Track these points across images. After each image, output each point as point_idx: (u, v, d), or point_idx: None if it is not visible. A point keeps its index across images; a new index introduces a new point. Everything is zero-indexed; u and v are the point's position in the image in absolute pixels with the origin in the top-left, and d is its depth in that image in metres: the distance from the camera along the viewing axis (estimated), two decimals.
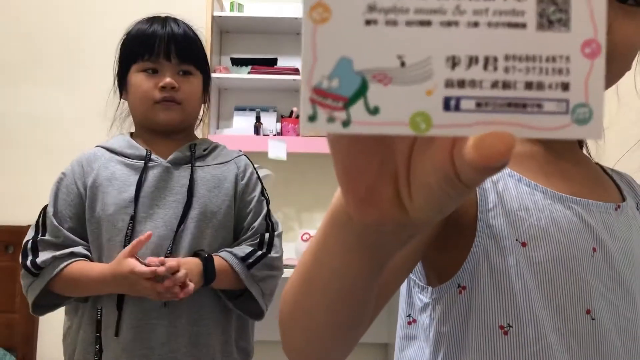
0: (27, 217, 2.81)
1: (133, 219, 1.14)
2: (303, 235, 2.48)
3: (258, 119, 2.66)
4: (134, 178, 1.17)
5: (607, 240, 0.63)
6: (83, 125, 2.88)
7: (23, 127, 2.88)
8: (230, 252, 1.17)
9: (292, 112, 2.66)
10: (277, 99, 2.77)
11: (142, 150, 1.21)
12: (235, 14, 2.70)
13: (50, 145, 2.87)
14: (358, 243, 0.37)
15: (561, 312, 0.60)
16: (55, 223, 1.18)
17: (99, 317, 1.14)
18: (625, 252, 0.64)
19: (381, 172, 0.31)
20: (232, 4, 2.74)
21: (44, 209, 1.26)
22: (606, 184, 0.73)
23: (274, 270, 1.23)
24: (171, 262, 1.06)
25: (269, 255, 1.21)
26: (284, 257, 2.54)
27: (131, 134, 1.29)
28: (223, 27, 2.79)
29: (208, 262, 1.13)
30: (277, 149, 2.49)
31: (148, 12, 3.11)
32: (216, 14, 2.62)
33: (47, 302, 1.20)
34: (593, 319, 0.60)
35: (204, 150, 1.27)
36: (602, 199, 0.66)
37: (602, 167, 0.77)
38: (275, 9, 2.73)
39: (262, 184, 1.30)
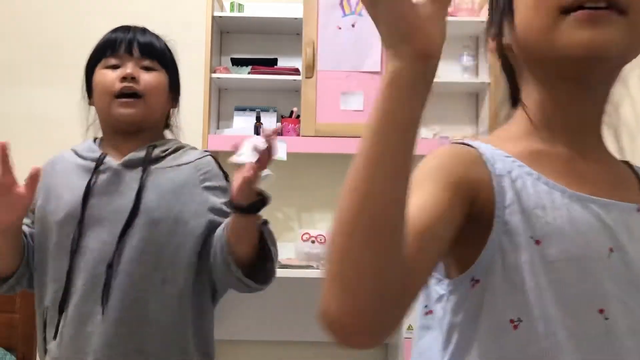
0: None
1: (80, 223, 1.12)
2: (303, 235, 2.48)
3: (258, 119, 2.66)
4: (84, 179, 1.15)
5: (625, 241, 0.63)
6: (81, 125, 2.88)
7: (23, 127, 2.88)
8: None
9: (292, 112, 2.66)
10: (277, 99, 2.77)
11: (97, 153, 1.19)
12: (236, 14, 2.70)
13: (50, 145, 2.86)
14: (415, 90, 0.51)
15: (573, 310, 0.60)
16: None
17: (45, 317, 1.14)
18: None
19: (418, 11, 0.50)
20: (232, 4, 2.74)
21: None
22: (629, 183, 0.72)
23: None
24: None
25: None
26: (284, 257, 2.55)
27: (102, 139, 1.26)
28: (223, 27, 2.79)
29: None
30: (277, 149, 2.49)
31: (148, 12, 3.13)
32: (216, 14, 2.62)
33: None
34: (606, 319, 0.60)
35: (163, 152, 1.21)
36: (623, 199, 0.66)
37: (631, 166, 0.76)
38: (275, 9, 2.74)
39: (227, 179, 1.23)
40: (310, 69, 2.54)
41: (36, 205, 1.18)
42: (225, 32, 2.83)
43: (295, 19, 2.61)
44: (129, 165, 1.16)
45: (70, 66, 2.91)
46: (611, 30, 0.60)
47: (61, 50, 2.91)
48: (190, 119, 2.78)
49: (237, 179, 1.04)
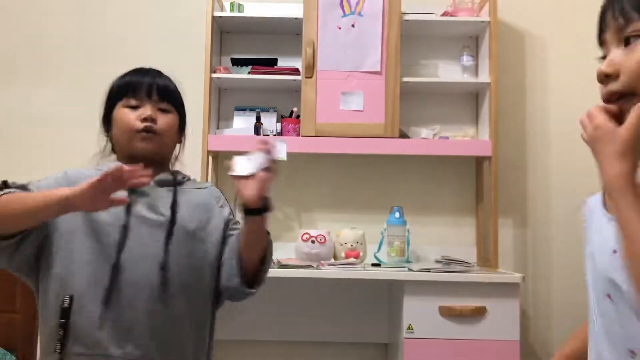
0: None
1: (126, 227, 1.26)
2: (303, 235, 2.48)
3: (258, 119, 2.66)
4: (123, 194, 1.23)
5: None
6: (83, 126, 2.88)
7: (23, 127, 2.88)
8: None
9: (292, 112, 2.66)
10: (277, 99, 2.77)
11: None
12: (236, 14, 2.70)
13: (50, 145, 2.87)
14: None
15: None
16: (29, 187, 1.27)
17: (66, 305, 1.21)
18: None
19: None
20: (232, 5, 2.74)
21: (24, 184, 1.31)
22: None
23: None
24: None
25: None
26: (284, 257, 2.55)
27: None
28: (223, 28, 2.79)
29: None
30: (277, 149, 2.49)
31: (148, 12, 3.14)
32: (216, 14, 2.62)
33: None
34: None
35: (183, 178, 1.43)
36: None
37: None
38: (275, 10, 2.74)
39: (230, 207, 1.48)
40: (310, 69, 2.54)
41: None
42: (225, 32, 2.84)
43: (295, 19, 2.61)
44: (160, 184, 1.36)
45: (70, 66, 2.91)
46: None
47: (61, 50, 2.91)
48: (190, 119, 2.78)
49: (246, 188, 1.23)
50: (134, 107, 1.36)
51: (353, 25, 2.56)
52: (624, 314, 0.72)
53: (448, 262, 2.40)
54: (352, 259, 2.42)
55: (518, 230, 2.79)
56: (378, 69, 2.54)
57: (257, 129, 2.64)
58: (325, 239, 2.47)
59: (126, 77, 1.42)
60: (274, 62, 2.73)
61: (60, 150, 2.87)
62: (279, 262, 2.33)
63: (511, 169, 2.82)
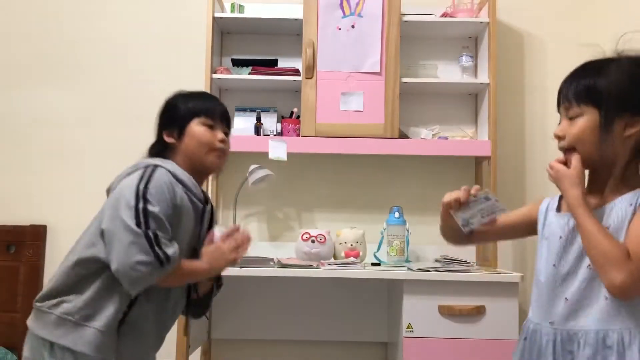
0: (27, 217, 2.83)
1: (195, 250, 1.52)
2: (303, 235, 2.49)
3: (259, 119, 2.67)
4: (194, 215, 1.52)
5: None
6: (83, 125, 2.89)
7: (23, 127, 2.89)
8: None
9: (292, 112, 2.67)
10: (278, 99, 2.78)
11: (200, 193, 1.55)
12: (236, 15, 2.71)
13: (51, 145, 2.88)
14: None
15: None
16: (167, 225, 1.40)
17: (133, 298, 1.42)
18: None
19: None
20: (232, 5, 2.75)
21: (145, 203, 1.38)
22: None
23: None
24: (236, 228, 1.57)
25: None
26: (284, 256, 2.56)
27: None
28: (224, 28, 2.80)
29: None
30: (278, 149, 2.51)
31: (148, 13, 3.14)
32: (217, 15, 2.63)
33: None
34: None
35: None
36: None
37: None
38: (276, 10, 2.75)
39: None
40: (310, 69, 2.55)
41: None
42: (225, 32, 2.85)
43: (295, 19, 2.62)
44: (208, 203, 1.62)
45: (71, 67, 2.92)
46: None
47: (62, 51, 2.91)
48: None
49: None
50: (210, 127, 1.58)
51: (353, 26, 2.57)
52: (563, 276, 1.21)
53: (447, 262, 2.41)
54: (352, 259, 2.43)
55: None
56: (378, 70, 2.55)
57: (258, 129, 2.65)
58: (325, 239, 2.48)
59: (199, 99, 1.64)
60: (274, 62, 2.74)
61: (60, 150, 2.87)
62: (279, 261, 2.34)
63: (510, 169, 2.83)
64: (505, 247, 2.75)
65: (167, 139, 1.58)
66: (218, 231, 1.59)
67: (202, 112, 1.59)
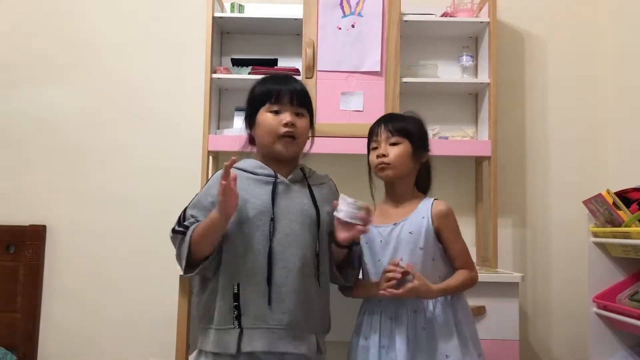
0: (27, 217, 2.82)
1: (272, 219, 1.51)
2: None
3: None
4: (265, 190, 1.54)
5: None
6: (83, 125, 2.89)
7: (23, 127, 2.89)
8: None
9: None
10: None
11: (270, 170, 1.58)
12: (236, 14, 2.71)
13: (50, 145, 2.88)
14: None
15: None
16: (190, 213, 1.55)
17: (235, 291, 1.48)
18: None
19: None
20: (232, 5, 2.75)
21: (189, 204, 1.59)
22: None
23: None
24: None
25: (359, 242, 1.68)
26: None
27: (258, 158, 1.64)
28: (224, 28, 2.80)
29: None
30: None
31: (148, 13, 3.14)
32: (217, 14, 2.63)
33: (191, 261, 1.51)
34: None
35: (309, 172, 1.68)
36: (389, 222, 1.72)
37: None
38: (276, 10, 2.74)
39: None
40: (310, 69, 2.55)
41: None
42: (225, 32, 2.84)
43: (295, 19, 2.62)
44: (294, 181, 1.60)
45: (71, 66, 2.92)
46: None
47: (62, 50, 2.91)
48: (190, 119, 2.81)
49: (341, 231, 1.55)
50: (276, 112, 1.56)
51: (353, 26, 2.57)
52: (383, 265, 1.63)
53: None
54: None
55: (517, 230, 2.80)
56: (378, 69, 2.55)
57: None
58: None
59: (267, 83, 1.61)
60: (274, 62, 2.73)
61: (60, 150, 2.87)
62: None
63: (510, 169, 2.83)
64: (505, 247, 2.75)
65: (247, 131, 1.64)
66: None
67: (265, 99, 1.57)
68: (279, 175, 1.57)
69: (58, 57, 2.91)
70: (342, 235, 1.54)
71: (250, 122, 1.62)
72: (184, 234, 1.49)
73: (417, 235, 1.63)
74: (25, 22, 2.94)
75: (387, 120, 1.72)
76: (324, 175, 1.74)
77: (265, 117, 1.56)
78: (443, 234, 1.65)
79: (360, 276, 1.74)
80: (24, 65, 2.91)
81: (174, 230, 1.53)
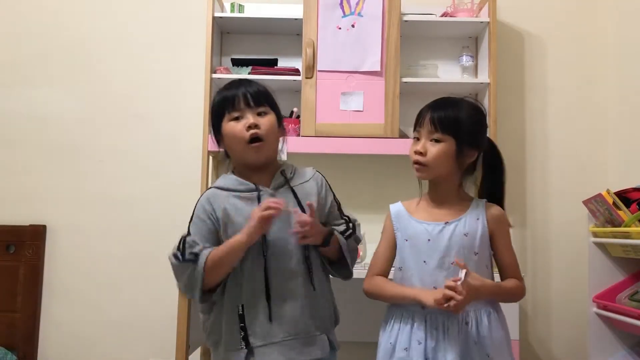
0: (27, 217, 2.82)
1: (264, 235, 1.47)
2: None
3: None
4: (252, 205, 1.48)
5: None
6: (83, 125, 2.89)
7: (23, 127, 2.89)
8: (335, 230, 1.58)
9: (292, 112, 2.67)
10: (278, 99, 2.75)
11: (249, 184, 1.53)
12: (236, 14, 2.71)
13: (51, 145, 2.88)
14: None
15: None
16: (191, 241, 1.49)
17: (240, 312, 1.47)
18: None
19: None
20: (232, 5, 2.75)
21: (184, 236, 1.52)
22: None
23: (358, 244, 1.65)
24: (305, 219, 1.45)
25: (355, 234, 1.63)
26: None
27: (232, 171, 1.60)
28: (224, 28, 2.80)
29: (330, 234, 1.54)
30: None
31: (148, 13, 3.14)
32: (217, 14, 2.63)
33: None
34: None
35: (291, 173, 1.59)
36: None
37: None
38: (276, 10, 2.74)
39: (332, 190, 1.68)
40: (310, 69, 2.55)
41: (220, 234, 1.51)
42: (225, 32, 2.84)
43: (295, 19, 2.62)
44: (277, 187, 1.55)
45: (71, 66, 2.92)
46: None
47: (62, 50, 2.91)
48: (190, 119, 2.81)
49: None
50: (237, 119, 1.51)
51: (353, 26, 2.57)
52: (430, 268, 1.44)
53: None
54: None
55: (517, 230, 2.80)
56: (378, 69, 2.55)
57: None
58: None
59: (222, 92, 1.56)
60: (274, 62, 2.73)
61: (60, 150, 2.87)
62: None
63: (510, 169, 2.81)
64: None
65: (218, 147, 1.59)
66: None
67: (224, 107, 1.52)
68: (260, 187, 1.53)
69: (58, 57, 2.91)
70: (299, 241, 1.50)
71: (218, 136, 1.57)
72: (194, 262, 1.44)
73: (472, 239, 1.45)
74: (25, 22, 2.94)
75: (437, 107, 1.50)
76: (308, 170, 1.67)
77: (228, 126, 1.51)
78: (497, 240, 1.48)
79: (392, 276, 1.59)
80: (24, 65, 2.91)
81: (183, 260, 1.46)
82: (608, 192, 2.12)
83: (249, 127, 1.48)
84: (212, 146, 2.55)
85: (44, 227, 2.81)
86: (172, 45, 2.89)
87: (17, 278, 2.75)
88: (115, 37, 2.91)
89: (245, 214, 1.47)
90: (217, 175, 2.74)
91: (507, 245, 1.49)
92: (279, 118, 1.59)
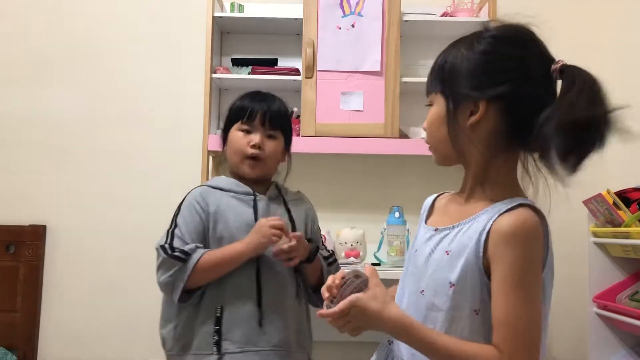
0: (27, 217, 2.82)
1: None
2: None
3: None
4: (246, 207, 1.50)
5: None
6: (83, 125, 2.89)
7: (23, 127, 2.88)
8: (320, 252, 1.59)
9: (292, 112, 2.67)
10: None
11: (247, 188, 1.55)
12: (236, 14, 2.71)
13: (51, 145, 2.87)
14: None
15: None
16: (180, 235, 1.48)
17: (218, 315, 1.43)
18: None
19: None
20: (232, 5, 2.75)
21: (172, 230, 1.51)
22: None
23: None
24: (298, 234, 1.46)
25: (337, 264, 1.66)
26: None
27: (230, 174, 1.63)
28: (224, 28, 2.80)
29: (316, 251, 1.56)
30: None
31: (148, 12, 3.13)
32: (217, 14, 2.63)
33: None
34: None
35: (285, 190, 1.64)
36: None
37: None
38: (276, 10, 2.74)
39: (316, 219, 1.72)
40: (310, 69, 2.55)
41: (207, 230, 1.49)
42: (225, 32, 2.84)
43: (295, 19, 2.62)
44: (272, 198, 1.57)
45: (71, 66, 2.92)
46: None
47: (62, 50, 2.91)
48: (190, 119, 2.81)
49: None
50: (247, 131, 1.54)
51: (353, 26, 2.57)
52: (426, 280, 0.98)
53: None
54: (352, 259, 2.42)
55: None
56: (378, 69, 2.55)
57: None
58: (325, 239, 2.47)
59: (245, 100, 1.60)
60: (274, 62, 2.73)
61: (60, 151, 2.87)
62: None
63: None
64: None
65: (222, 147, 1.61)
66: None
67: (239, 116, 1.56)
68: (257, 193, 1.55)
69: (58, 57, 2.91)
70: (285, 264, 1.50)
71: (225, 137, 1.61)
72: (184, 260, 1.41)
73: (452, 261, 0.94)
74: (25, 22, 2.93)
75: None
76: (296, 192, 1.70)
77: (235, 135, 1.55)
78: (492, 273, 0.91)
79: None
80: (24, 65, 2.91)
81: (173, 257, 1.42)
82: (608, 192, 2.12)
83: (253, 146, 1.52)
84: (212, 146, 2.56)
85: (44, 227, 2.81)
86: (172, 45, 2.88)
87: (17, 278, 2.75)
88: (115, 37, 2.91)
89: (239, 212, 1.49)
90: (217, 175, 2.74)
91: (504, 286, 0.89)
92: (288, 142, 1.62)
